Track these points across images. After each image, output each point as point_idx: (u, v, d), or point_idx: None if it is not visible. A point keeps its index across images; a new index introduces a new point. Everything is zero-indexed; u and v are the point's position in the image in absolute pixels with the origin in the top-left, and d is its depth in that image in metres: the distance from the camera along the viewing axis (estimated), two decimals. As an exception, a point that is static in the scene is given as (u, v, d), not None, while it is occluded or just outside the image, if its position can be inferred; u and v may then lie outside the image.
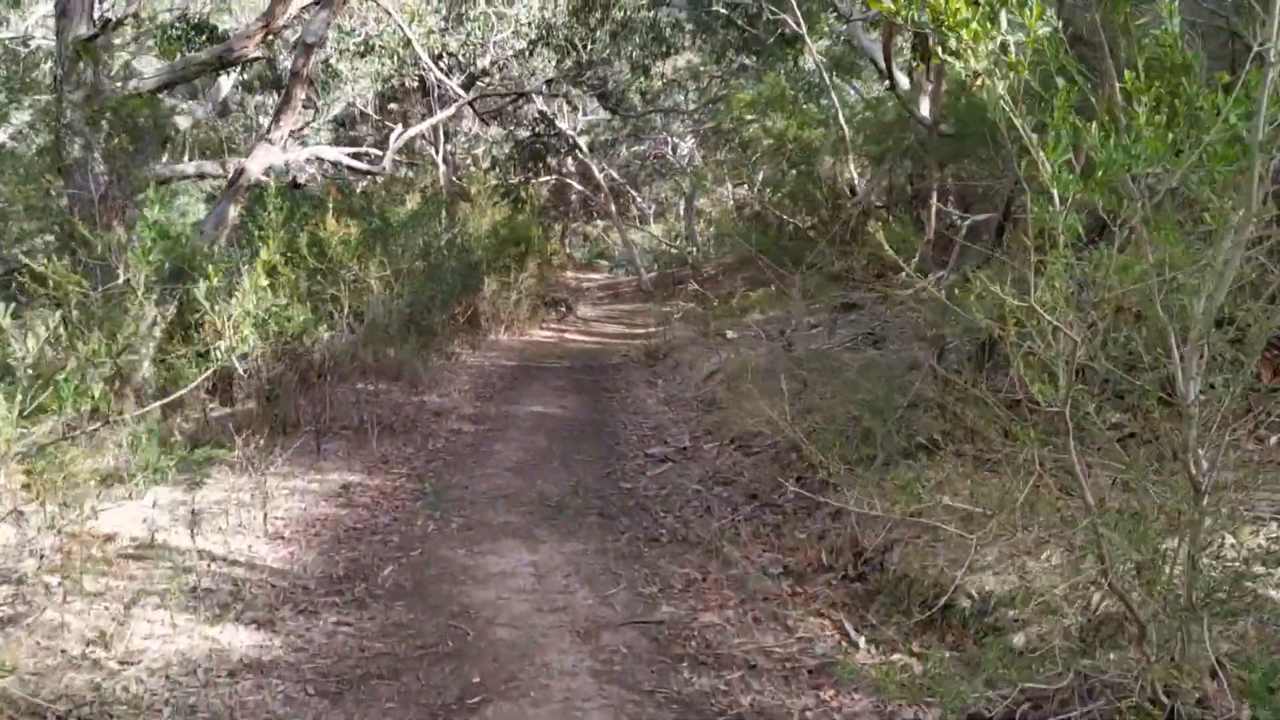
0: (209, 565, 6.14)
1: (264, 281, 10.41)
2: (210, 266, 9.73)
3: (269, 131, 11.58)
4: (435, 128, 22.11)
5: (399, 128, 17.17)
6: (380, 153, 15.95)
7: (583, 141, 28.97)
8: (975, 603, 4.87)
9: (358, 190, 18.68)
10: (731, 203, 34.00)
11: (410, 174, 22.07)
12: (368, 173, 16.05)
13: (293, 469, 8.65)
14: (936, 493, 5.89)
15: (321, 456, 8.98)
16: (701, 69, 29.03)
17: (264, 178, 12.49)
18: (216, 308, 10.27)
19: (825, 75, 14.97)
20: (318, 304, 10.36)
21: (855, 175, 14.69)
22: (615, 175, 33.25)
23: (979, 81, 2.81)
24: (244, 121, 21.90)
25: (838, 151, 14.57)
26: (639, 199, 36.87)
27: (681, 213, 37.12)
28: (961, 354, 7.84)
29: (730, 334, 14.69)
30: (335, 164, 15.41)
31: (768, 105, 14.77)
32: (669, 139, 32.53)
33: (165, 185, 16.30)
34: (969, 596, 4.90)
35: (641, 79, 24.85)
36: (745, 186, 34.96)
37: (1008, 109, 2.82)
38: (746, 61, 25.25)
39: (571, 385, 13.81)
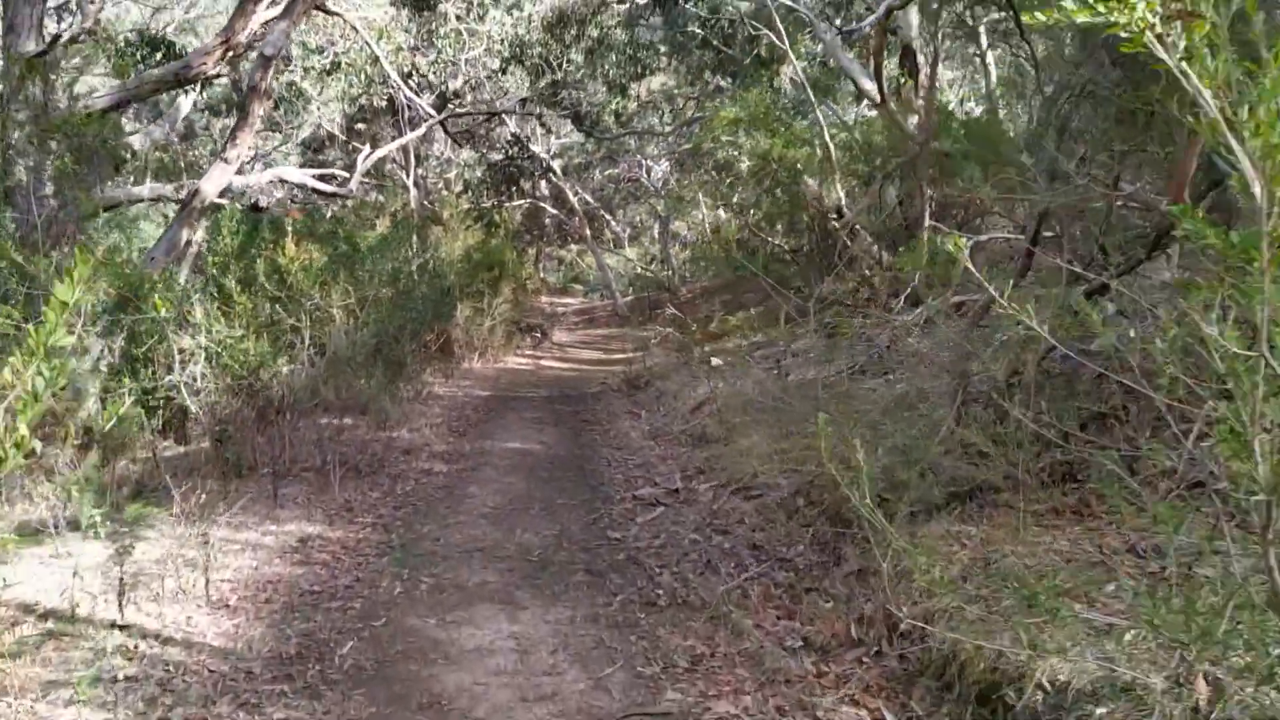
0: (137, 645, 5.20)
1: (217, 312, 9.50)
2: (156, 296, 8.84)
3: (224, 150, 10.67)
4: (406, 150, 21.24)
5: (366, 148, 16.28)
6: (348, 174, 15.04)
7: (556, 165, 28.15)
8: (1049, 695, 4.01)
9: (326, 215, 17.77)
10: (707, 226, 33.29)
11: (380, 198, 21.16)
12: (334, 195, 15.15)
13: (246, 518, 7.71)
14: (984, 551, 5.07)
15: (278, 503, 8.04)
16: (676, 91, 28.32)
17: (221, 200, 11.59)
18: (165, 340, 9.37)
19: (810, 92, 14.19)
20: (277, 335, 9.46)
21: (842, 196, 13.89)
22: (589, 199, 32.43)
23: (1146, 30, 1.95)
24: (210, 145, 20.93)
25: (823, 171, 13.78)
26: (613, 223, 36.08)
27: (656, 236, 36.35)
28: (989, 386, 7.01)
29: (716, 361, 13.84)
30: (301, 186, 14.50)
31: (751, 123, 13.96)
32: (643, 162, 31.77)
33: (116, 209, 15.36)
34: (1041, 687, 4.03)
35: (618, 99, 24.05)
36: (722, 209, 34.30)
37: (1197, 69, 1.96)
38: (722, 83, 24.56)
39: (550, 417, 12.92)
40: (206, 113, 24.34)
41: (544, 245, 35.74)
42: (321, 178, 14.76)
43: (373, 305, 10.13)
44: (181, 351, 9.35)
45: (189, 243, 10.48)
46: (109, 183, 14.89)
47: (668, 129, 26.65)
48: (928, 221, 12.75)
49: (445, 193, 22.88)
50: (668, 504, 7.98)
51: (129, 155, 15.62)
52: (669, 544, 7.01)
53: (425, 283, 14.86)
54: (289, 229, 9.52)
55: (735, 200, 26.71)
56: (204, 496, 7.58)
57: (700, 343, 17.63)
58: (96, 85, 17.57)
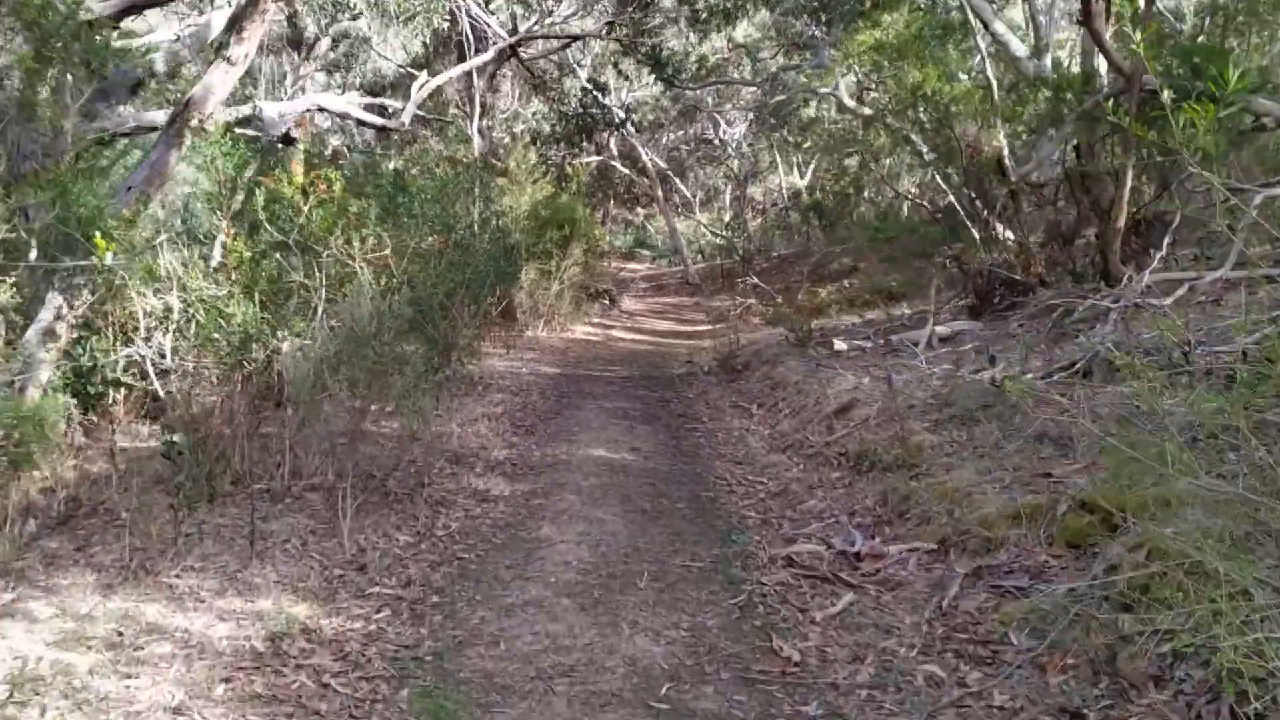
0: None
1: (199, 262, 6.48)
2: (98, 235, 5.84)
3: (226, 47, 7.61)
4: (470, 98, 18.15)
5: (423, 76, 13.16)
6: (400, 105, 11.96)
7: (628, 122, 24.93)
8: None
9: (378, 152, 14.74)
10: (785, 191, 29.91)
11: (441, 147, 18.04)
12: (384, 129, 12.07)
13: (201, 579, 4.72)
14: None
15: (257, 555, 5.02)
16: (761, 43, 24.95)
17: (243, 130, 8.62)
18: (117, 300, 6.37)
19: (970, 12, 10.88)
20: (281, 297, 6.40)
21: (1005, 145, 10.57)
22: (659, 160, 29.13)
23: None
24: (249, 80, 17.92)
25: (984, 114, 10.47)
26: (683, 187, 32.77)
27: (729, 201, 33.04)
28: None
29: (840, 344, 10.67)
30: (344, 117, 11.45)
31: (896, 51, 10.68)
32: (719, 121, 28.44)
33: (129, 138, 12.38)
34: None
35: (708, 38, 20.84)
36: (808, 171, 30.89)
37: None
38: (817, 33, 21.20)
39: (636, 408, 9.82)
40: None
41: (611, 206, 32.52)
42: (371, 109, 11.74)
43: (415, 260, 7.07)
44: (148, 315, 6.35)
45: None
46: (121, 107, 11.93)
47: (756, 80, 23.22)
48: (1128, 179, 9.47)
49: (511, 143, 19.70)
50: (853, 583, 4.85)
51: (147, 76, 12.64)
52: (890, 687, 3.88)
53: (487, 238, 11.83)
54: (299, 150, 6.45)
55: (847, 153, 23.42)
56: (153, 533, 4.65)
57: (797, 318, 14.47)
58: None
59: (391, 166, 13.97)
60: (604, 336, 17.00)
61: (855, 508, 6.05)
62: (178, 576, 4.71)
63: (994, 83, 10.63)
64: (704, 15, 18.47)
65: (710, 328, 19.52)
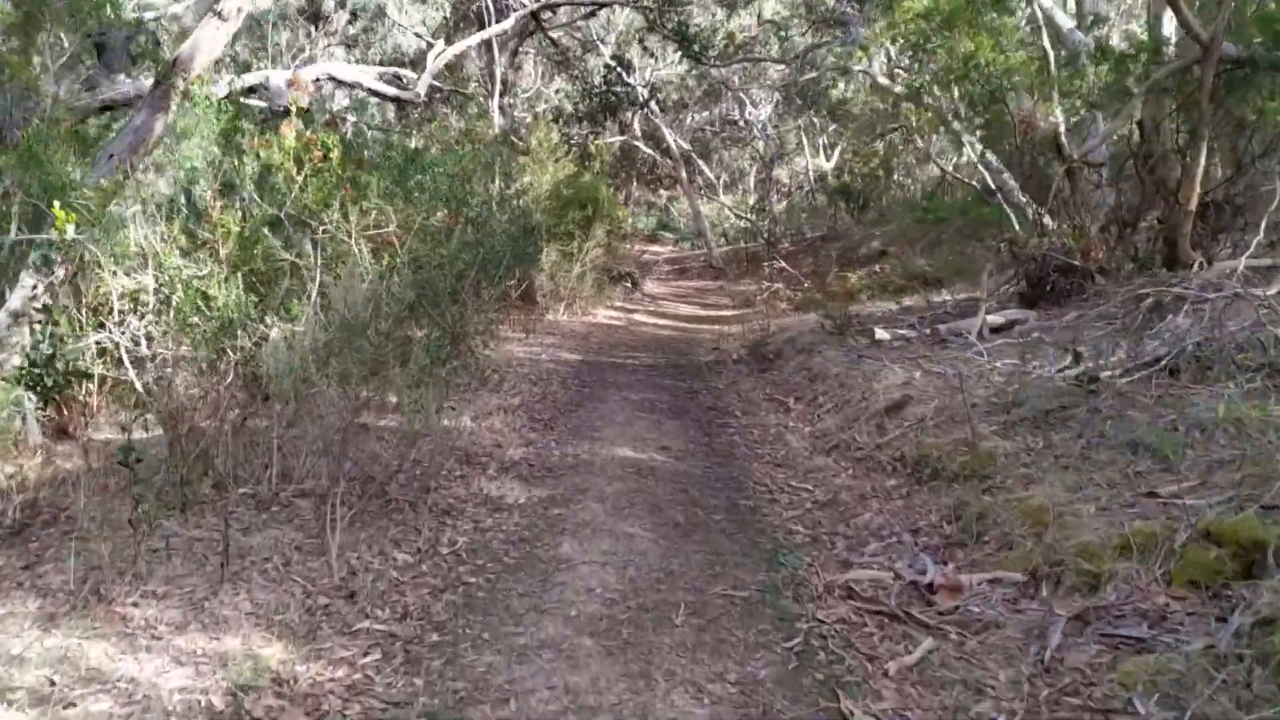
0: None
1: (180, 237, 5.70)
2: (58, 206, 5.07)
3: (218, 1, 6.82)
4: (491, 74, 17.32)
5: (440, 44, 12.33)
6: (415, 75, 11.15)
7: (651, 101, 24.06)
8: None
9: (397, 130, 13.93)
10: (812, 173, 28.96)
11: (460, 123, 17.21)
12: (398, 100, 11.26)
13: (165, 605, 3.97)
14: None
15: (230, 577, 4.26)
16: (790, 20, 24.00)
17: (249, 99, 7.85)
18: (95, 275, 5.60)
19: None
20: (271, 277, 5.63)
21: (1061, 122, 9.69)
22: (683, 142, 28.19)
23: None
24: (262, 52, 17.20)
25: (1040, 87, 9.58)
26: (706, 169, 31.86)
27: (753, 184, 32.13)
28: None
29: (881, 333, 9.83)
30: (357, 86, 10.66)
31: (947, 20, 9.79)
32: (745, 101, 27.50)
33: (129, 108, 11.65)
34: None
35: (745, 4, 19.95)
36: (834, 153, 29.92)
37: None
38: (849, 9, 20.27)
39: (663, 400, 9.02)
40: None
41: (634, 188, 31.64)
42: (385, 79, 10.94)
43: (424, 238, 6.28)
44: (123, 296, 5.59)
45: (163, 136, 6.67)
46: (123, 76, 11.19)
47: (785, 58, 22.26)
48: (1203, 159, 8.59)
49: (534, 122, 18.83)
50: (929, 623, 4.04)
51: (151, 45, 11.89)
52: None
53: (506, 218, 11.04)
54: (295, 116, 5.66)
55: (877, 134, 22.49)
56: (105, 553, 3.93)
57: (833, 304, 13.63)
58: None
59: (410, 144, 13.20)
60: (627, 321, 16.21)
61: (919, 524, 5.24)
62: (134, 605, 3.96)
63: (1050, 54, 9.73)
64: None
65: (736, 312, 18.71)
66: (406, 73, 12.02)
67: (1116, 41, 12.27)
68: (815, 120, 27.25)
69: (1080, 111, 9.86)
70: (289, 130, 5.46)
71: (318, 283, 5.32)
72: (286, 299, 5.42)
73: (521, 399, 8.45)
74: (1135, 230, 9.45)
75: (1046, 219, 9.48)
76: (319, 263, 5.51)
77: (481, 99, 18.34)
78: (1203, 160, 8.52)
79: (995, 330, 9.24)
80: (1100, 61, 9.67)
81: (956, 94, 10.07)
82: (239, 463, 5.39)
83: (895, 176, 24.51)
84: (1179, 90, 8.59)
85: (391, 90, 10.84)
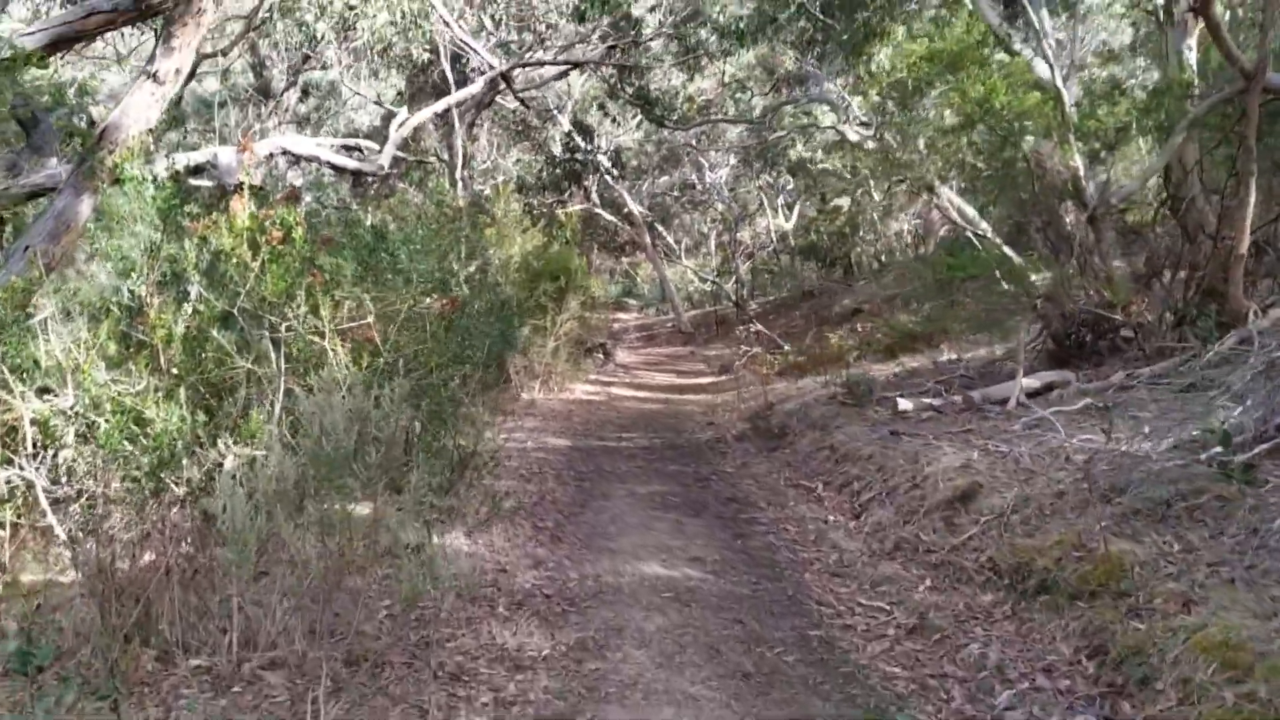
0: None
1: (105, 339, 4.50)
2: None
3: (151, 62, 5.70)
4: (451, 146, 16.27)
5: (402, 113, 11.26)
6: (377, 147, 10.05)
7: (613, 167, 23.17)
8: None
9: (355, 207, 12.79)
10: (774, 234, 28.15)
11: (420, 196, 16.07)
12: (359, 173, 10.14)
13: None
14: None
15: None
16: (747, 81, 23.28)
17: (167, 161, 6.75)
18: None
19: (1032, 11, 9.14)
20: (223, 387, 4.43)
21: (1081, 166, 8.78)
22: (642, 209, 27.28)
23: None
24: (211, 126, 16.04)
25: (1057, 130, 8.67)
26: (666, 234, 30.96)
27: (714, 248, 31.30)
28: None
29: (905, 403, 8.77)
30: (313, 160, 9.54)
31: (952, 63, 8.89)
32: (705, 164, 26.71)
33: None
34: None
35: (693, 78, 19.13)
36: (785, 216, 29.14)
37: None
38: (809, 67, 19.55)
39: (675, 491, 7.87)
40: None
41: (596, 255, 30.65)
42: (344, 151, 9.85)
43: (409, 329, 5.12)
44: (35, 423, 4.37)
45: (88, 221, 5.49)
46: (53, 160, 9.97)
47: (751, 116, 21.46)
48: (1251, 199, 7.68)
49: (494, 195, 17.72)
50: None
51: (86, 125, 10.69)
52: None
53: (483, 296, 9.97)
54: (245, 195, 4.51)
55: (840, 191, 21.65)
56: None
57: (833, 369, 12.62)
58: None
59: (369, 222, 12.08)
60: (606, 396, 15.06)
61: (1049, 661, 4.11)
62: None
63: (1063, 93, 8.84)
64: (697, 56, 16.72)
65: (715, 380, 17.65)
66: (367, 143, 10.94)
67: (1077, 90, 11.40)
68: (775, 180, 26.52)
69: (1100, 154, 8.94)
70: (240, 206, 4.32)
71: (282, 392, 4.14)
72: (244, 415, 4.23)
73: (518, 499, 7.24)
74: (1173, 280, 8.51)
75: (1075, 271, 8.51)
76: (283, 368, 4.33)
77: (440, 172, 17.27)
78: (1253, 198, 7.62)
79: (1032, 395, 8.22)
80: (1114, 101, 8.79)
81: (964, 141, 9.14)
82: (189, 626, 4.15)
83: (861, 233, 23.78)
84: (1221, 125, 7.70)
85: (352, 163, 9.74)
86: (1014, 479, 5.85)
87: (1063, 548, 4.77)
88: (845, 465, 7.79)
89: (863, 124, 19.85)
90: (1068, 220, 9.09)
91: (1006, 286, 8.20)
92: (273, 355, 4.35)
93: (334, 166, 9.50)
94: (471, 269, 11.29)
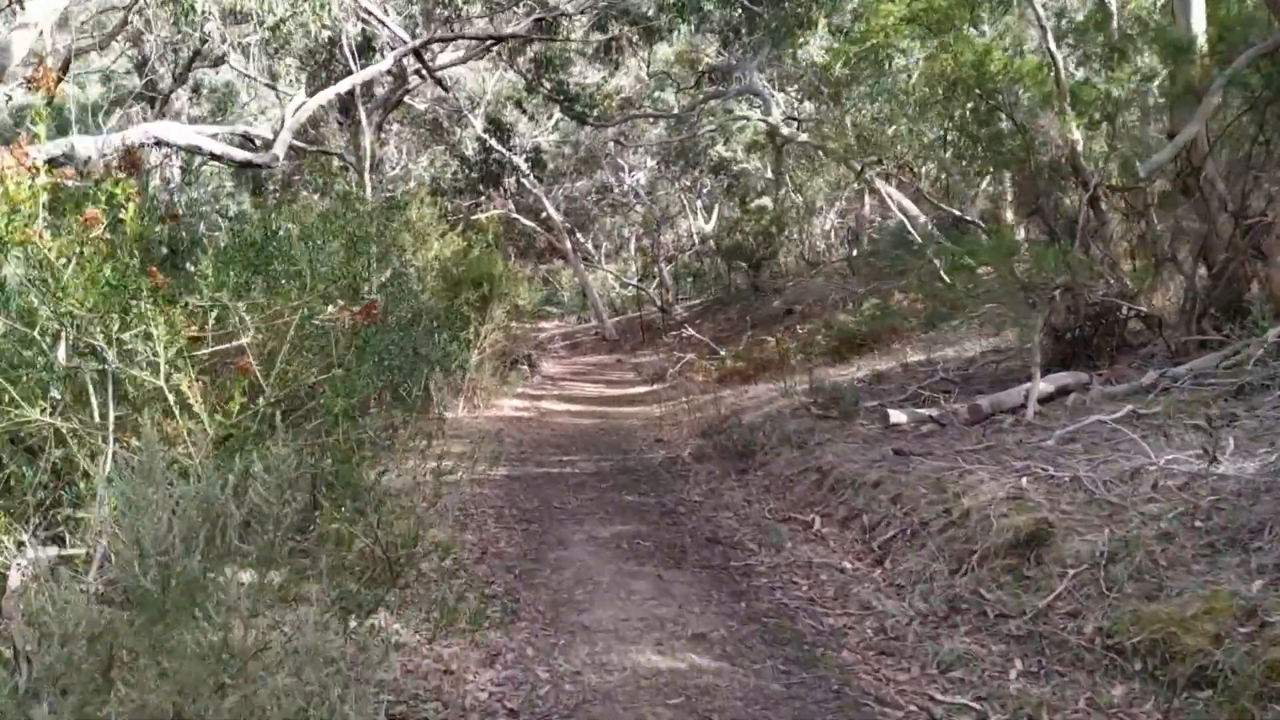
0: None
1: None
2: None
3: None
4: (358, 146, 14.55)
5: (298, 96, 9.56)
6: (270, 137, 8.38)
7: (530, 171, 21.59)
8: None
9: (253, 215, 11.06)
10: (697, 236, 26.82)
11: (325, 199, 14.26)
12: (249, 165, 8.45)
13: None
14: None
15: None
16: (666, 79, 21.96)
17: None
18: None
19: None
20: (19, 449, 2.75)
21: (1078, 136, 7.54)
22: (559, 213, 25.74)
23: None
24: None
25: (1053, 100, 7.41)
26: (586, 240, 29.42)
27: (634, 251, 29.90)
28: None
29: (897, 415, 7.42)
30: (194, 151, 7.83)
31: (936, 25, 7.59)
32: (625, 166, 25.29)
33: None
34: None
35: (611, 73, 17.71)
36: (705, 218, 27.87)
37: None
38: (734, 60, 18.33)
39: (645, 533, 6.38)
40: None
41: (514, 262, 28.94)
42: (231, 140, 8.19)
43: (302, 353, 3.56)
44: None
45: None
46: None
47: (673, 112, 20.07)
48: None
49: (407, 196, 15.98)
50: None
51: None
52: None
53: (401, 306, 8.47)
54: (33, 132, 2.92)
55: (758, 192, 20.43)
56: None
57: (792, 374, 11.29)
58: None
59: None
60: (536, 411, 13.52)
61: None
62: None
63: (1057, 58, 7.60)
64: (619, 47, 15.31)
65: (649, 389, 16.21)
66: (259, 131, 9.25)
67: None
68: (695, 182, 25.24)
69: (1101, 125, 7.72)
70: (19, 157, 2.72)
71: (105, 471, 2.56)
72: (51, 501, 2.64)
73: (455, 558, 5.70)
74: (1195, 265, 7.32)
75: (1091, 258, 7.26)
76: (111, 420, 2.75)
77: (349, 176, 15.53)
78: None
79: (1042, 400, 6.95)
80: (1117, 63, 7.59)
81: (952, 112, 7.83)
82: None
83: (787, 233, 22.59)
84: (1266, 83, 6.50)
85: (239, 153, 8.06)
86: (1091, 515, 4.51)
87: (1217, 619, 3.43)
88: (843, 493, 6.40)
89: (790, 118, 18.62)
90: (1067, 200, 7.86)
91: (1005, 277, 6.89)
92: (95, 400, 2.77)
93: (218, 158, 7.82)
94: (386, 276, 9.73)
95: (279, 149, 8.07)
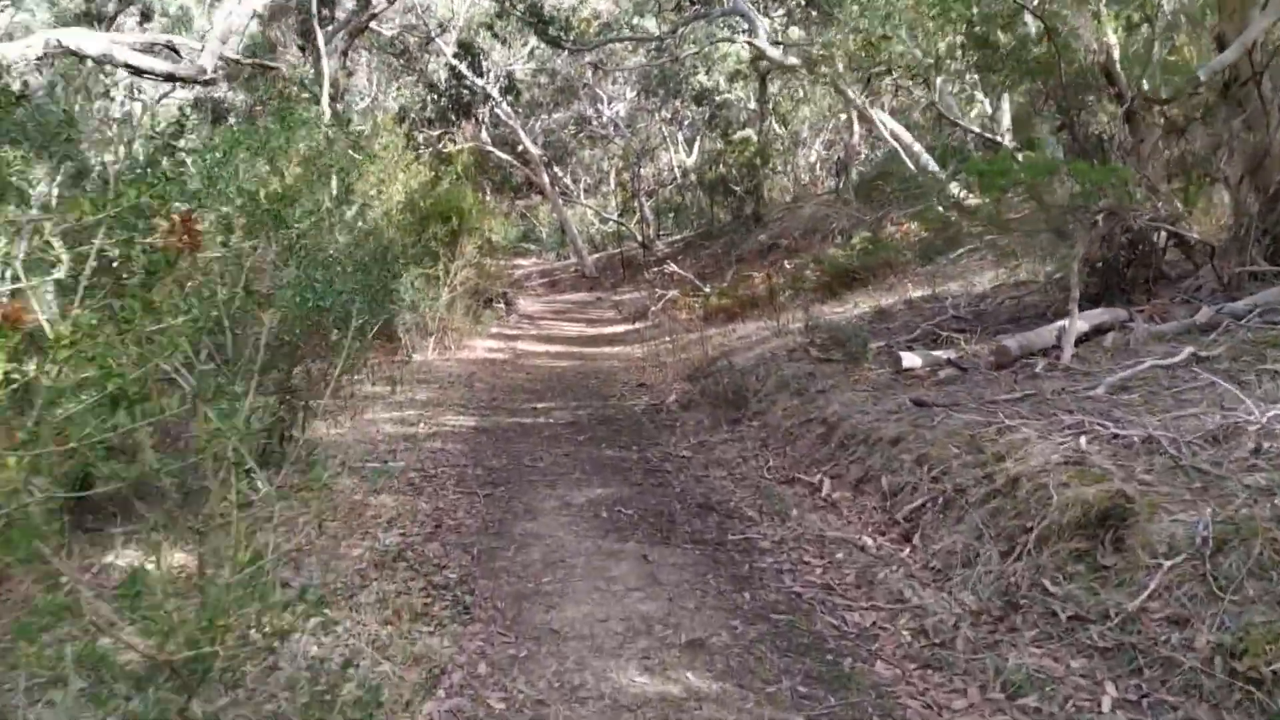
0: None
1: None
2: None
3: None
4: (319, 73, 13.29)
5: (227, 2, 8.36)
6: (197, 47, 7.22)
7: (502, 99, 20.31)
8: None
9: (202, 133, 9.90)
10: (677, 170, 25.62)
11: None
12: (173, 78, 7.30)
13: None
14: None
15: None
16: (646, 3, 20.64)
17: None
18: None
19: None
20: None
21: (1114, 41, 6.50)
22: (537, 147, 24.45)
23: None
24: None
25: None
26: (564, 174, 28.14)
27: (614, 186, 28.67)
28: None
29: (910, 359, 6.45)
30: (105, 60, 6.68)
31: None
32: (604, 96, 24.01)
33: None
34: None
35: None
36: (684, 150, 26.64)
37: None
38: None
39: (627, 499, 5.43)
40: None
41: (489, 196, 27.70)
42: (152, 50, 7.05)
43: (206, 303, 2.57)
44: None
45: None
46: None
47: (655, 35, 18.80)
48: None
49: (374, 126, 14.72)
50: None
51: None
52: None
53: (352, 239, 7.44)
54: None
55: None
56: None
57: (776, 311, 10.38)
58: None
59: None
60: (511, 353, 12.52)
61: None
62: None
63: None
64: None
65: (631, 328, 15.21)
66: (185, 40, 8.04)
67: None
68: (676, 114, 23.98)
69: (1139, 27, 6.68)
70: None
71: None
72: None
73: (404, 533, 4.74)
74: (1247, 186, 6.33)
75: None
76: None
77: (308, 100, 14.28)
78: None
79: (1078, 342, 6.00)
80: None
81: (970, 10, 6.76)
82: None
83: (771, 165, 21.43)
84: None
85: (161, 64, 6.90)
86: (1180, 487, 3.57)
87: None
88: (854, 450, 5.45)
89: (776, 43, 17.39)
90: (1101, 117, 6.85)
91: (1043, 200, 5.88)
92: None
93: (138, 70, 6.66)
94: (351, 213, 8.72)
95: (206, 60, 6.90)
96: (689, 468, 6.13)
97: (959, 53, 7.60)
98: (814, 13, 13.21)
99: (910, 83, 9.45)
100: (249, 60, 9.88)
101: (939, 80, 9.01)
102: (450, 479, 5.93)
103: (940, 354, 6.51)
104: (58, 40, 6.34)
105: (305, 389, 5.70)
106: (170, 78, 6.89)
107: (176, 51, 7.58)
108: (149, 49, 7.29)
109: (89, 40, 6.41)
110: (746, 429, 6.85)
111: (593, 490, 5.60)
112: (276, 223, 4.57)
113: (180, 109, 13.03)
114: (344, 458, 6.21)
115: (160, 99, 16.92)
